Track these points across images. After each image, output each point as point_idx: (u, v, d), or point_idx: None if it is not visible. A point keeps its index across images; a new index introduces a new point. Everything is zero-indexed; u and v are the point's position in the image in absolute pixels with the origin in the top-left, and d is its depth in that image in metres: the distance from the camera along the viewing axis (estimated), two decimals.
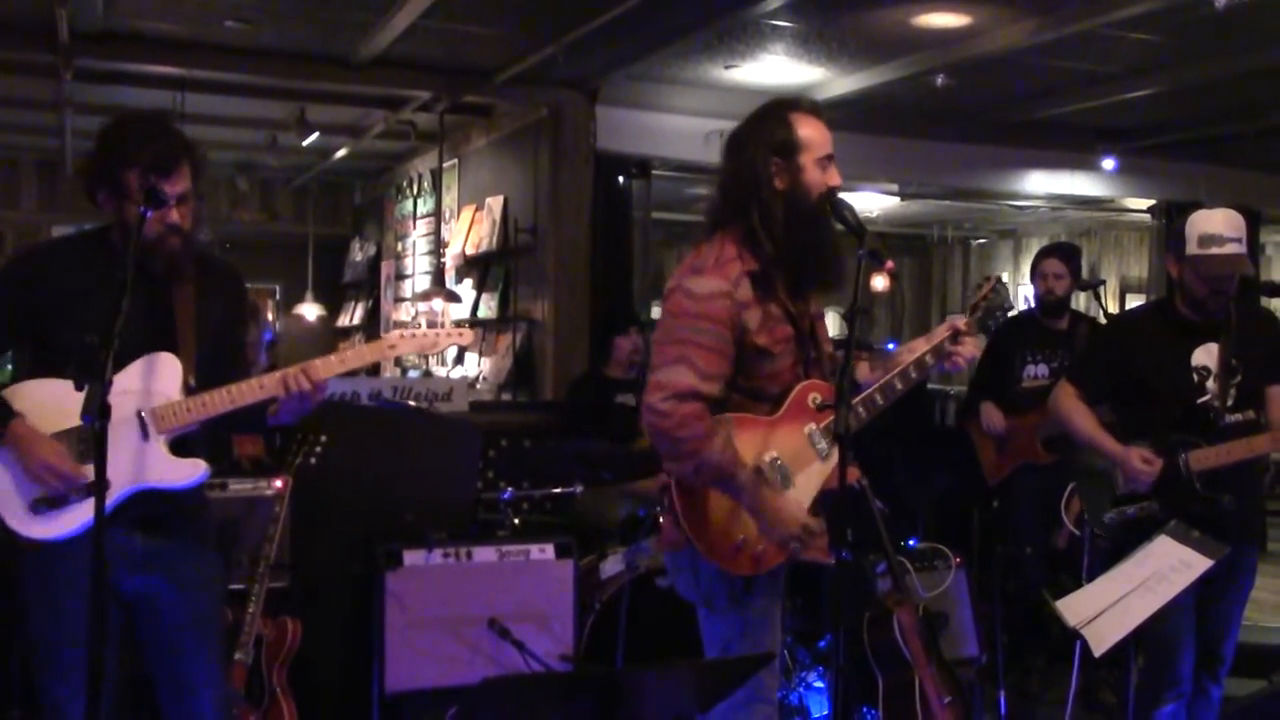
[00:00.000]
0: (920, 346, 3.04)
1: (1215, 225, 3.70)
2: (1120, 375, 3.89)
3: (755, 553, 2.86)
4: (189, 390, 2.89)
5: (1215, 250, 3.68)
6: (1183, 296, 3.82)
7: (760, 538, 2.85)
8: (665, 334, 2.84)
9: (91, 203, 2.87)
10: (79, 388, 2.52)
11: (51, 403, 2.80)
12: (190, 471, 2.89)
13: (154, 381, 2.87)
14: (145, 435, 2.84)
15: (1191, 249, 3.72)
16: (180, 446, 2.90)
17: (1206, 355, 3.79)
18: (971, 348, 3.03)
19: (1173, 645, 3.71)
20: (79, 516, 2.77)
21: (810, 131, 2.93)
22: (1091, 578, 3.80)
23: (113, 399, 2.71)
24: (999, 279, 3.22)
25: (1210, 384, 3.78)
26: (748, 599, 2.91)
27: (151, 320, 2.89)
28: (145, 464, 2.84)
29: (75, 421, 2.72)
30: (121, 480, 2.79)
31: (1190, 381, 3.78)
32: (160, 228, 2.83)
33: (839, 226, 2.88)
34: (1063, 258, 5.69)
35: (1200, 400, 3.77)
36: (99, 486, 2.49)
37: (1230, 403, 3.76)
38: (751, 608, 2.93)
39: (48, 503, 2.76)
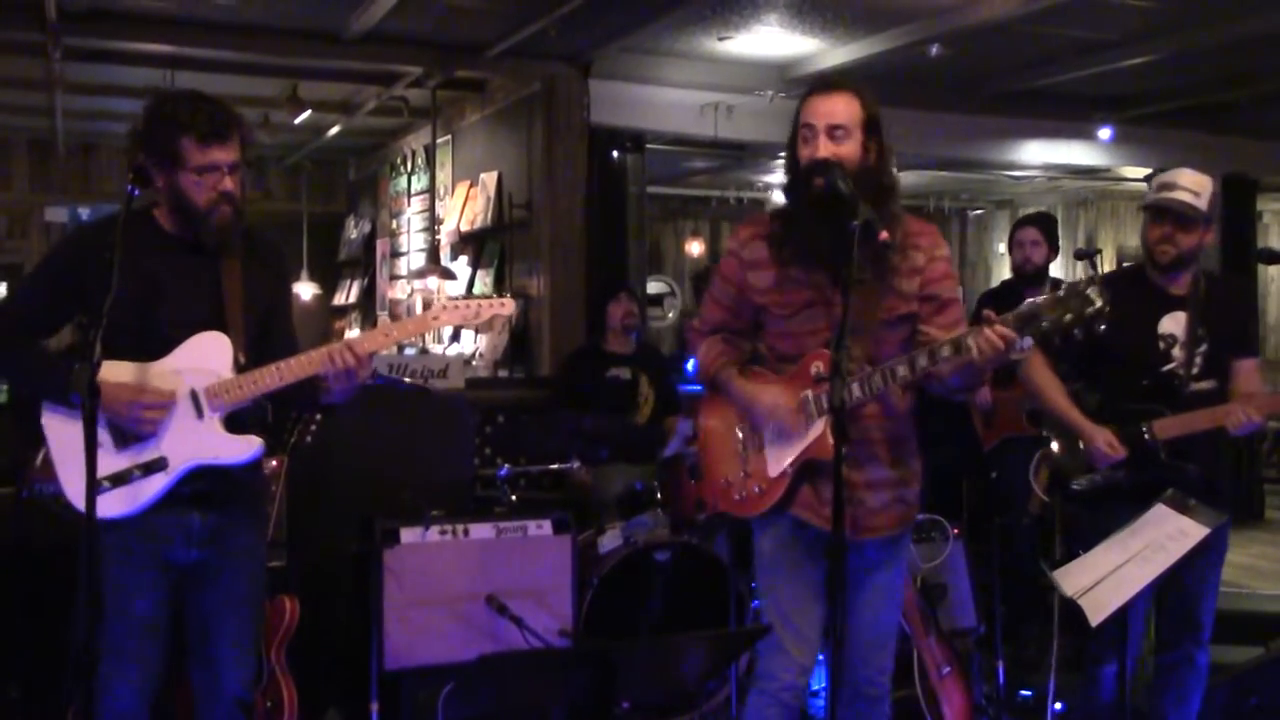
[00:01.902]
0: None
1: (1175, 175, 3.81)
2: (1086, 343, 3.89)
3: (736, 495, 3.13)
4: (239, 368, 2.92)
5: (1165, 194, 3.77)
6: (1148, 257, 3.88)
7: (741, 481, 3.10)
8: None
9: (139, 180, 2.82)
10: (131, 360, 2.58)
11: (131, 382, 2.85)
12: (245, 448, 2.92)
13: (206, 360, 2.90)
14: (199, 413, 2.88)
15: (1149, 196, 3.85)
16: (234, 423, 2.93)
17: (1174, 324, 3.82)
18: (990, 339, 2.69)
19: (1128, 608, 3.73)
20: (143, 493, 2.83)
21: (804, 108, 3.02)
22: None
23: (166, 378, 2.85)
24: (1090, 279, 2.69)
25: (1176, 352, 3.81)
26: (758, 538, 3.15)
27: (201, 297, 2.92)
28: (201, 441, 2.88)
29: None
30: (179, 457, 2.85)
31: (1156, 349, 3.81)
32: (213, 195, 2.86)
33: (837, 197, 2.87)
34: (1038, 226, 5.70)
35: (1166, 368, 3.80)
36: (90, 469, 2.48)
37: (1195, 371, 3.79)
38: (761, 550, 3.14)
39: (110, 482, 2.77)
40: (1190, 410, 3.73)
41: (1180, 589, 3.82)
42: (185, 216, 2.89)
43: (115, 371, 2.79)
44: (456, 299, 3.06)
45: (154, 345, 2.87)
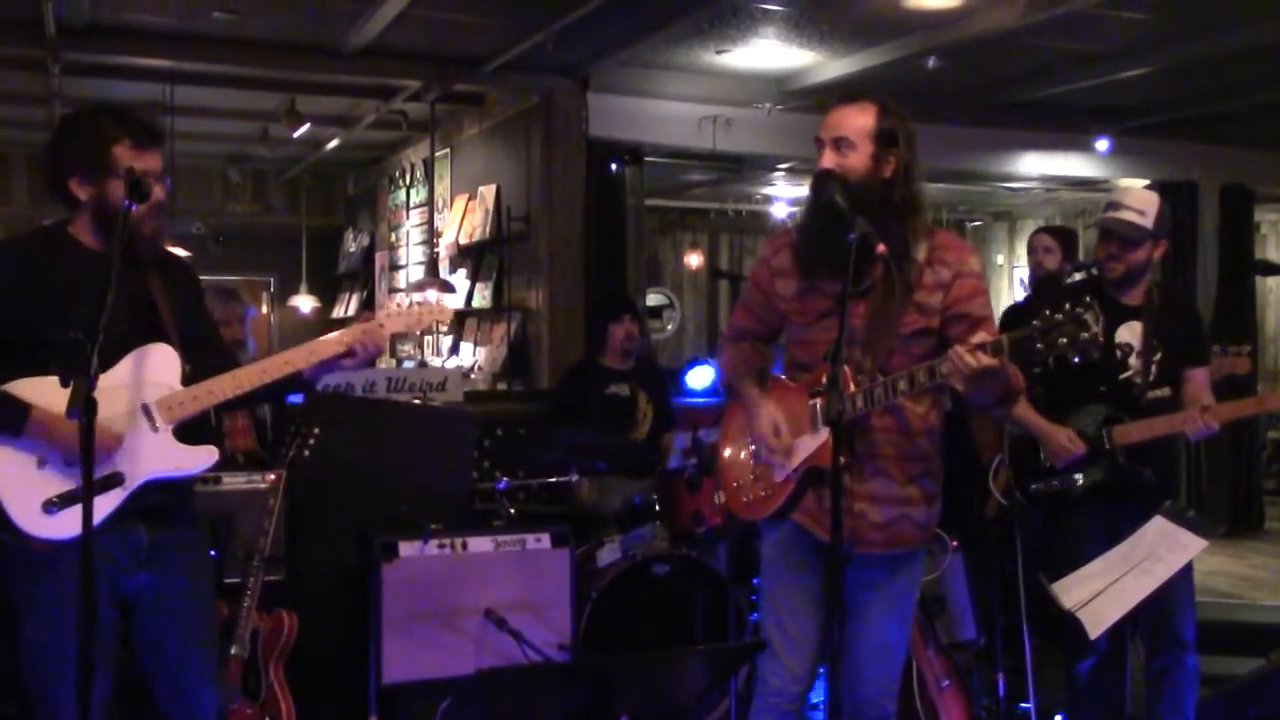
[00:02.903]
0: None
1: (1122, 195, 4.02)
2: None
3: (745, 499, 3.20)
4: (186, 379, 2.89)
5: (1110, 213, 3.96)
6: (1100, 272, 4.06)
7: (750, 485, 3.17)
8: None
9: (57, 193, 2.84)
10: (65, 384, 2.50)
11: (41, 402, 2.77)
12: (204, 457, 2.91)
13: (152, 372, 2.87)
14: (154, 426, 2.85)
15: (1099, 215, 4.03)
16: (183, 433, 2.90)
17: (1130, 333, 3.98)
18: (966, 359, 2.67)
19: None
20: (98, 510, 2.70)
21: (823, 121, 3.05)
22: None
23: (112, 393, 2.76)
24: (1085, 304, 2.61)
25: (1133, 361, 3.97)
26: (763, 541, 3.21)
27: (135, 311, 2.88)
28: (158, 454, 2.85)
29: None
30: (137, 472, 2.81)
31: (1114, 358, 3.96)
32: (144, 208, 2.81)
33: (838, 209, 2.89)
34: (1054, 234, 5.80)
35: (1123, 376, 3.96)
36: (86, 483, 2.47)
37: (1151, 379, 3.96)
38: (765, 553, 3.20)
39: (60, 501, 2.71)
40: (1146, 417, 3.90)
41: (1156, 597, 3.82)
42: (113, 228, 2.78)
43: (43, 390, 2.72)
44: (401, 306, 3.10)
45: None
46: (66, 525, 2.68)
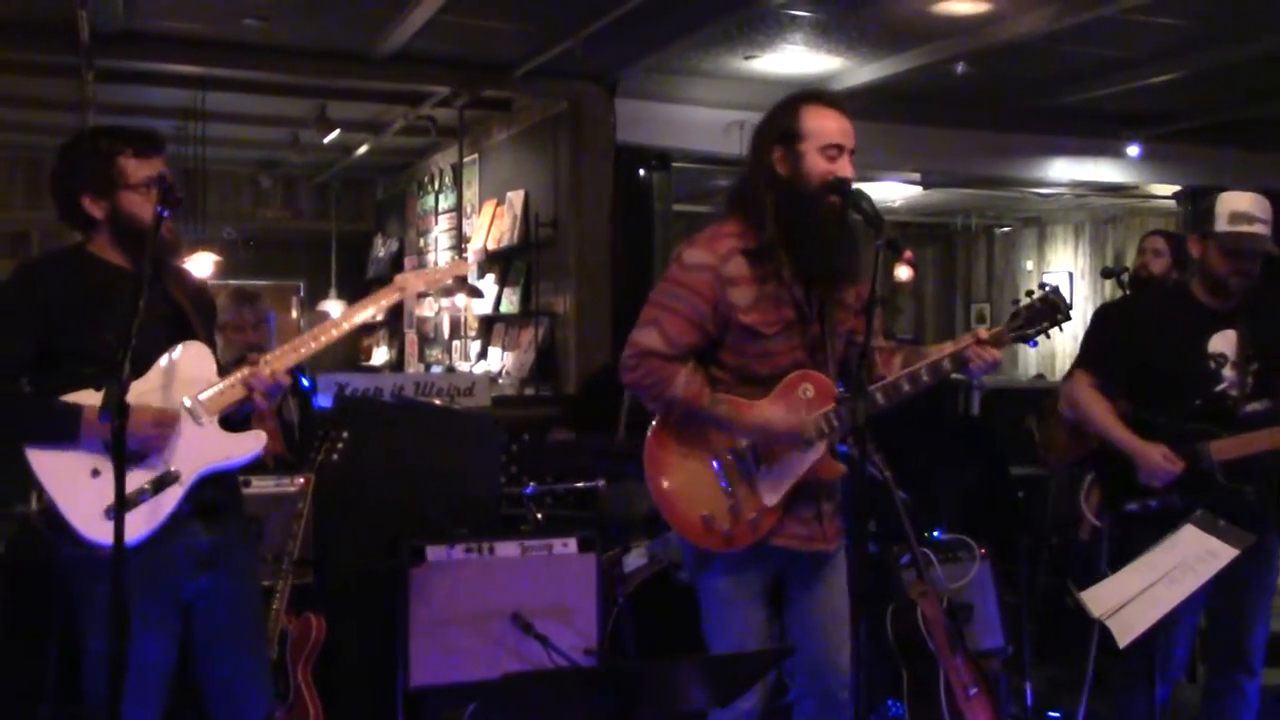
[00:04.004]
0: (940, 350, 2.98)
1: (1245, 204, 3.67)
2: (1133, 362, 3.80)
3: (723, 530, 2.95)
4: (221, 371, 2.94)
5: (1245, 228, 3.63)
6: (1203, 279, 3.75)
7: (727, 515, 2.94)
8: (652, 296, 3.02)
9: (71, 217, 2.91)
10: (99, 390, 2.53)
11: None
12: (253, 443, 2.93)
13: (189, 369, 2.90)
14: (199, 422, 2.88)
15: (1221, 225, 3.67)
16: (227, 424, 2.93)
17: (1224, 342, 3.71)
18: (991, 355, 2.90)
19: (1169, 630, 3.61)
20: (162, 508, 2.79)
21: (817, 122, 2.96)
22: (1115, 569, 3.69)
23: (153, 395, 2.81)
24: (1053, 288, 2.96)
25: (1227, 372, 3.70)
26: (710, 574, 3.03)
27: (161, 314, 2.91)
28: (208, 447, 2.87)
29: None
30: (191, 466, 2.84)
31: (1207, 369, 3.70)
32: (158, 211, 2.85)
33: (856, 217, 2.88)
34: (1168, 238, 5.55)
35: (1217, 389, 3.70)
36: (119, 488, 2.49)
37: (1248, 391, 3.69)
38: (716, 587, 3.03)
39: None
40: (1245, 431, 3.63)
41: (1228, 615, 3.74)
42: (133, 238, 2.85)
43: (88, 402, 2.73)
44: (418, 268, 3.11)
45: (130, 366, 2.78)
46: (131, 529, 2.67)
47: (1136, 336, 3.84)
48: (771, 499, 2.96)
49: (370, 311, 3.17)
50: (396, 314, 11.02)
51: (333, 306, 11.58)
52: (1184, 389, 3.71)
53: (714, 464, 2.99)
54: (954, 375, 2.96)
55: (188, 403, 2.88)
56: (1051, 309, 2.91)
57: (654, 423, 3.07)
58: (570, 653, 4.28)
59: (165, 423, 2.81)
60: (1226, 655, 3.80)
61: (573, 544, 4.49)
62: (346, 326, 3.07)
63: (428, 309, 10.03)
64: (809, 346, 2.98)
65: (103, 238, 2.94)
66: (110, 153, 2.87)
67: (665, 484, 3.02)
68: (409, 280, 3.18)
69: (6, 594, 4.26)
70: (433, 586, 4.26)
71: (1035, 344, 2.98)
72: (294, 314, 12.79)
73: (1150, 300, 4.40)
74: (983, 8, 5.74)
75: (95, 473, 2.77)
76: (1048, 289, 2.93)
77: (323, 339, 3.01)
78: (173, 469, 2.82)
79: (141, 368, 2.81)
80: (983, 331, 2.92)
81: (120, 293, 2.77)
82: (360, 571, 4.59)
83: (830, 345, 3.01)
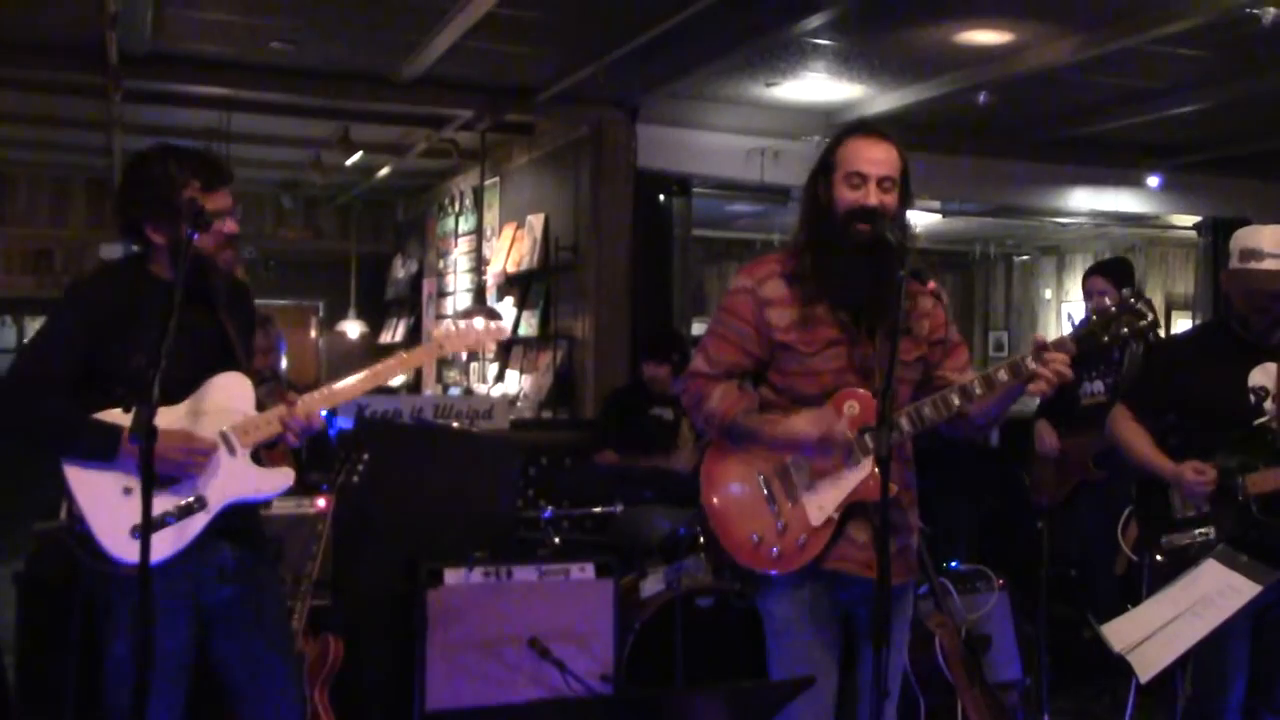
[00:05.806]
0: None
1: (1256, 240, 3.63)
2: (1175, 396, 3.79)
3: (771, 552, 2.94)
4: (259, 404, 2.97)
5: (1254, 265, 3.60)
6: (1231, 315, 3.75)
7: (775, 535, 2.93)
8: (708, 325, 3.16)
9: (133, 234, 2.92)
10: (128, 411, 2.56)
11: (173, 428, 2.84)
12: (282, 480, 2.98)
13: (229, 399, 2.94)
14: (232, 452, 2.92)
15: (1234, 263, 3.66)
16: (257, 458, 2.97)
17: (1264, 375, 3.66)
18: (1058, 367, 2.81)
19: (1222, 675, 3.57)
20: (187, 532, 2.83)
21: (846, 152, 2.99)
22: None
23: (192, 421, 2.86)
24: (1136, 294, 2.86)
25: (1268, 405, 3.64)
26: (766, 599, 3.01)
27: (208, 341, 2.96)
28: (238, 478, 2.92)
29: None
30: (218, 496, 2.88)
31: (1247, 402, 3.65)
32: (220, 239, 2.92)
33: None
34: (1105, 274, 5.61)
35: (1258, 422, 3.64)
36: (145, 510, 2.51)
37: None
38: (772, 613, 3.00)
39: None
40: None
41: (1263, 653, 3.63)
42: (192, 265, 2.84)
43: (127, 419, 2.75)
44: (456, 325, 3.16)
45: (170, 391, 2.80)
46: (155, 549, 2.69)
47: (1176, 371, 3.83)
48: (818, 518, 2.93)
49: (406, 370, 3.21)
50: (415, 335, 11.05)
51: (351, 327, 11.64)
52: (1225, 422, 3.67)
53: (761, 482, 2.99)
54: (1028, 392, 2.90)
55: (225, 432, 2.91)
56: (1133, 314, 2.84)
57: (711, 443, 3.12)
58: (586, 678, 4.27)
59: (198, 450, 2.84)
60: (1262, 696, 3.67)
61: (590, 569, 4.49)
62: (382, 379, 3.09)
63: (455, 325, 10.04)
64: (859, 368, 2.95)
65: (163, 258, 2.96)
66: (176, 183, 2.87)
67: (716, 501, 3.03)
68: (449, 341, 3.21)
69: (28, 608, 4.29)
70: (450, 609, 4.26)
71: (1119, 355, 2.94)
72: (313, 334, 12.84)
73: (1192, 335, 4.43)
74: (1005, 38, 5.76)
75: (127, 491, 2.80)
76: (1126, 296, 2.87)
77: (357, 387, 3.03)
78: (201, 496, 2.86)
79: (182, 392, 2.87)
80: (1041, 336, 2.88)
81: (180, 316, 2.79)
82: (378, 593, 4.60)
83: (882, 367, 2.90)
